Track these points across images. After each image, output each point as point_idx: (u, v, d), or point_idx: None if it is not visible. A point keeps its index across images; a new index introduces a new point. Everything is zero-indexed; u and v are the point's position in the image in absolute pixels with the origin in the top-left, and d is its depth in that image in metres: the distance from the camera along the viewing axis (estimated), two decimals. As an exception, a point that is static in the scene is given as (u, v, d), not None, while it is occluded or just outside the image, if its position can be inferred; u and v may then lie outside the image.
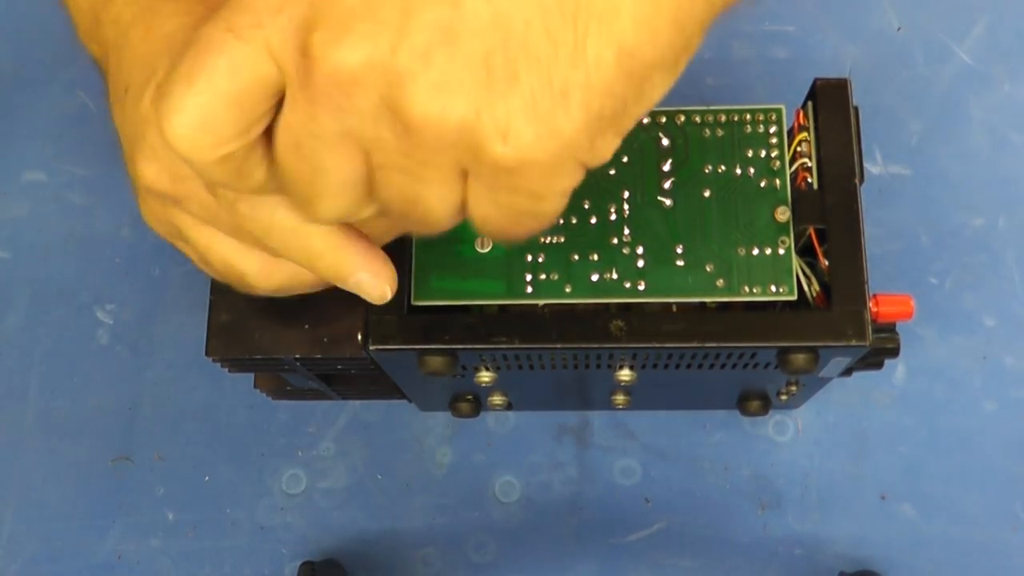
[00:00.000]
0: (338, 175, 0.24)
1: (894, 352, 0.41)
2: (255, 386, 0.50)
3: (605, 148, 0.24)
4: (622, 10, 0.22)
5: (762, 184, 0.40)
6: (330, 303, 0.40)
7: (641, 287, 0.39)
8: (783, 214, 0.39)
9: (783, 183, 0.40)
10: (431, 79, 0.21)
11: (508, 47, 0.21)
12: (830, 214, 0.39)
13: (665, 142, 0.40)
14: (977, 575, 0.52)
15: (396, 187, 0.24)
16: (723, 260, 0.39)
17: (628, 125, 0.24)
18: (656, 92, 0.24)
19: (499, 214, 0.24)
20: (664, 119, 0.40)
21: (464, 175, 0.24)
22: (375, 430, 0.55)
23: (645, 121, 0.40)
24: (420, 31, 0.21)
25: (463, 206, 0.25)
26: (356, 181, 0.24)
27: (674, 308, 0.40)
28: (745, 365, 0.41)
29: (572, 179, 0.24)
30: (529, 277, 0.39)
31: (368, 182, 0.24)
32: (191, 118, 0.23)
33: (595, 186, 0.40)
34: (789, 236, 0.39)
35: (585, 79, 0.22)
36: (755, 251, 0.39)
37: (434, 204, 0.24)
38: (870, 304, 0.38)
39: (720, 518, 0.53)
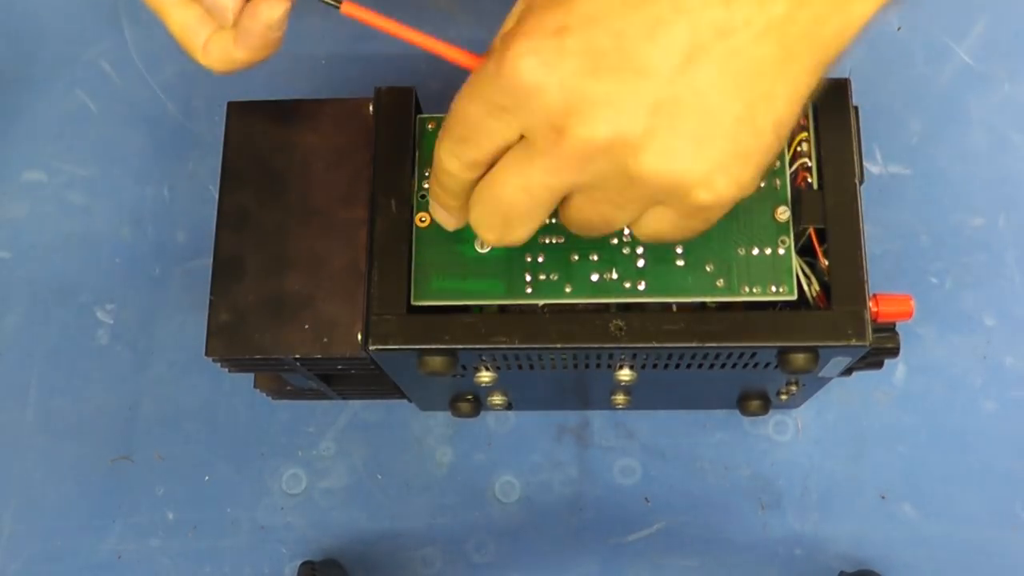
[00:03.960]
0: (545, 209, 0.32)
1: (894, 352, 0.41)
2: (255, 386, 0.50)
3: (755, 189, 0.32)
4: (778, 94, 0.30)
5: (762, 184, 0.40)
6: (330, 303, 0.40)
7: (641, 287, 0.39)
8: (783, 214, 0.39)
9: (783, 183, 0.40)
10: (658, 147, 0.30)
11: (709, 124, 0.30)
12: (830, 214, 0.39)
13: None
14: (977, 575, 0.52)
15: (599, 212, 0.32)
16: (723, 260, 0.39)
17: (768, 171, 0.33)
18: (784, 143, 0.33)
19: (672, 231, 0.33)
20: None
21: (653, 203, 0.32)
22: (375, 430, 0.55)
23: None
24: (649, 114, 0.29)
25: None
26: (550, 210, 0.33)
27: (674, 308, 0.40)
28: (745, 365, 0.41)
29: (730, 209, 0.32)
30: (529, 277, 0.39)
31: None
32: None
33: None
34: (789, 236, 0.39)
35: (757, 145, 0.31)
36: (755, 251, 0.39)
37: (620, 222, 0.33)
38: (870, 304, 0.38)
39: (720, 518, 0.53)
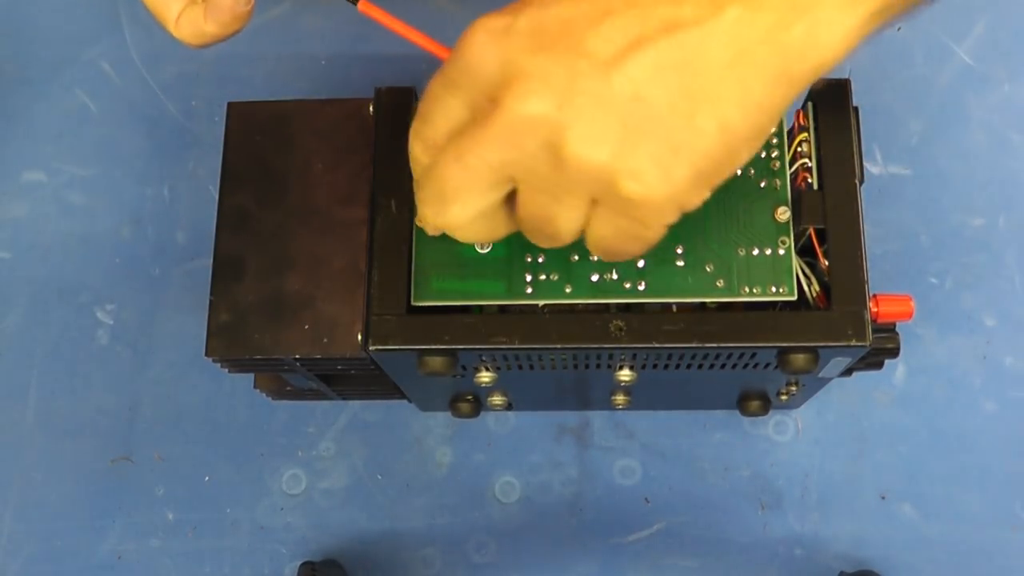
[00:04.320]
0: (479, 186, 0.32)
1: (894, 352, 0.41)
2: (255, 386, 0.50)
3: (698, 198, 0.31)
4: (724, 95, 0.30)
5: (762, 184, 0.40)
6: (330, 303, 0.40)
7: (641, 287, 0.39)
8: (783, 214, 0.39)
9: (783, 183, 0.40)
10: (584, 130, 0.29)
11: (641, 114, 0.29)
12: (830, 214, 0.39)
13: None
14: (977, 575, 0.52)
15: (537, 205, 0.32)
16: (723, 260, 0.39)
17: (717, 183, 0.32)
18: (741, 160, 0.32)
19: (613, 235, 0.32)
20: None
21: (592, 203, 0.31)
22: (375, 430, 0.55)
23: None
24: (579, 96, 0.29)
25: (583, 227, 0.32)
26: (489, 194, 0.32)
27: (674, 308, 0.40)
28: (745, 365, 0.41)
29: (673, 217, 0.32)
30: (529, 277, 0.39)
31: (499, 200, 0.32)
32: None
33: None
34: (789, 236, 0.39)
35: (695, 144, 0.30)
36: (755, 251, 0.39)
37: (563, 221, 0.32)
38: (870, 304, 0.38)
39: (720, 518, 0.53)
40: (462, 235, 0.34)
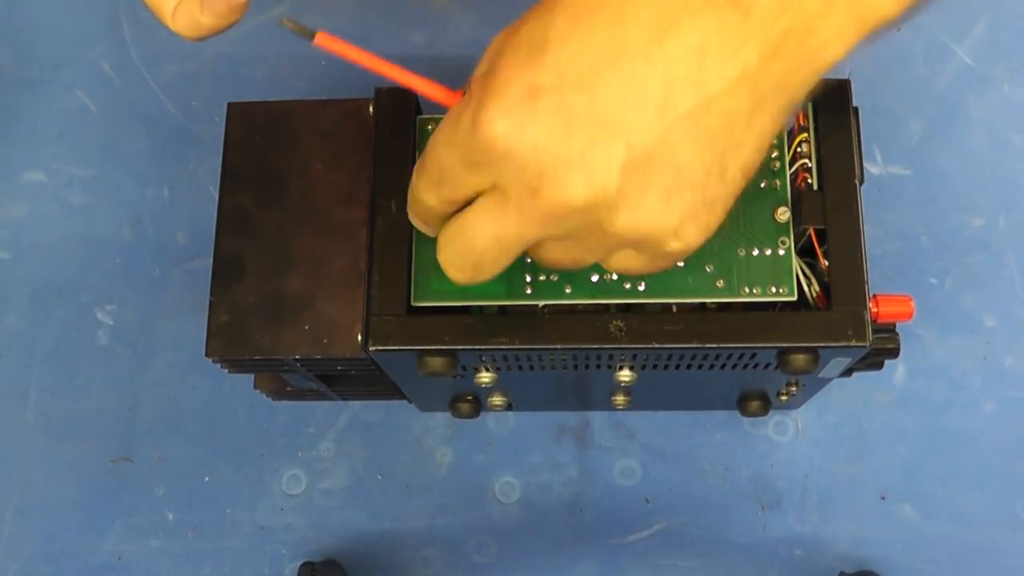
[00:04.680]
0: (512, 256, 0.33)
1: (894, 352, 0.41)
2: (255, 387, 0.50)
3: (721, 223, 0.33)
4: (746, 143, 0.31)
5: (762, 184, 0.40)
6: (330, 304, 0.40)
7: (641, 287, 0.39)
8: (783, 214, 0.39)
9: (783, 183, 0.40)
10: (630, 206, 0.30)
11: (680, 180, 0.30)
12: (830, 214, 0.39)
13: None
14: (977, 575, 0.52)
15: (569, 257, 0.33)
16: (723, 261, 0.39)
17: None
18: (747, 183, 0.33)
19: (640, 269, 0.34)
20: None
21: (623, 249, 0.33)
22: (375, 431, 0.55)
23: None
24: (622, 175, 0.30)
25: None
26: (519, 255, 0.33)
27: (674, 308, 0.40)
28: (745, 366, 0.41)
29: (696, 250, 0.33)
30: (529, 278, 0.39)
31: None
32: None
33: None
34: (789, 236, 0.39)
35: (725, 192, 0.31)
36: (755, 251, 0.39)
37: (588, 263, 0.34)
38: (870, 304, 0.38)
39: (720, 518, 0.53)
40: (478, 282, 0.35)
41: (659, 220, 0.31)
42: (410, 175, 0.39)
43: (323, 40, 0.34)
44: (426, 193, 0.33)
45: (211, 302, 0.41)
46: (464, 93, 0.34)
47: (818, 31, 0.30)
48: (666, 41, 0.29)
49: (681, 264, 0.39)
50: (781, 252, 0.39)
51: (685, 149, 0.30)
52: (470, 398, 0.50)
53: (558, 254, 0.33)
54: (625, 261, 0.33)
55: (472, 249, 0.33)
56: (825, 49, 0.30)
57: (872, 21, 0.31)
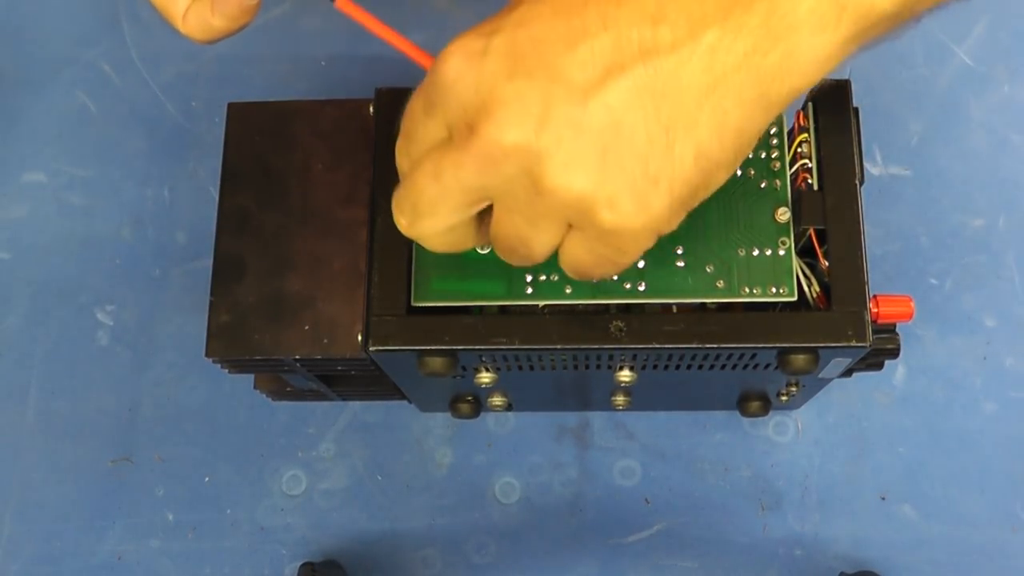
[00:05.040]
0: (452, 204, 0.31)
1: (894, 353, 0.41)
2: (255, 387, 0.50)
3: (675, 223, 0.31)
4: (700, 122, 0.29)
5: (762, 185, 0.40)
6: (330, 304, 0.40)
7: (641, 288, 0.39)
8: (783, 215, 0.39)
9: (783, 184, 0.40)
10: (563, 159, 0.29)
11: (619, 142, 0.29)
12: (830, 215, 0.39)
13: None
14: (977, 575, 0.52)
15: (513, 226, 0.32)
16: (723, 261, 0.39)
17: (693, 207, 0.32)
18: (718, 183, 0.32)
19: (588, 259, 0.32)
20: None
21: (567, 227, 0.31)
22: (375, 431, 0.55)
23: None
24: (557, 123, 0.29)
25: (557, 247, 0.32)
26: (462, 211, 0.32)
27: (674, 309, 0.40)
28: (745, 366, 0.41)
29: (648, 243, 0.32)
30: (529, 278, 0.39)
31: (471, 217, 0.32)
32: None
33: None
34: (789, 237, 0.39)
35: (672, 172, 0.30)
36: (755, 252, 0.39)
37: (537, 244, 0.32)
38: (870, 305, 0.38)
39: (720, 519, 0.53)
40: (430, 245, 0.34)
41: (591, 181, 0.29)
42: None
43: (343, 4, 0.35)
44: (400, 156, 0.33)
45: (211, 302, 0.41)
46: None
47: (788, 12, 0.29)
48: (624, 3, 0.29)
49: (681, 264, 0.39)
50: (781, 252, 0.39)
51: (627, 112, 0.29)
52: (470, 398, 0.50)
53: (504, 225, 0.32)
54: (573, 248, 0.32)
55: (414, 187, 0.32)
56: (797, 32, 0.29)
57: (859, 11, 0.30)
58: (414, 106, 0.32)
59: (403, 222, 0.33)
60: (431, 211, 0.32)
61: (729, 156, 0.31)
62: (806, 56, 0.30)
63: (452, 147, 0.31)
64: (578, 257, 0.32)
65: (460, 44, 0.30)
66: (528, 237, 0.32)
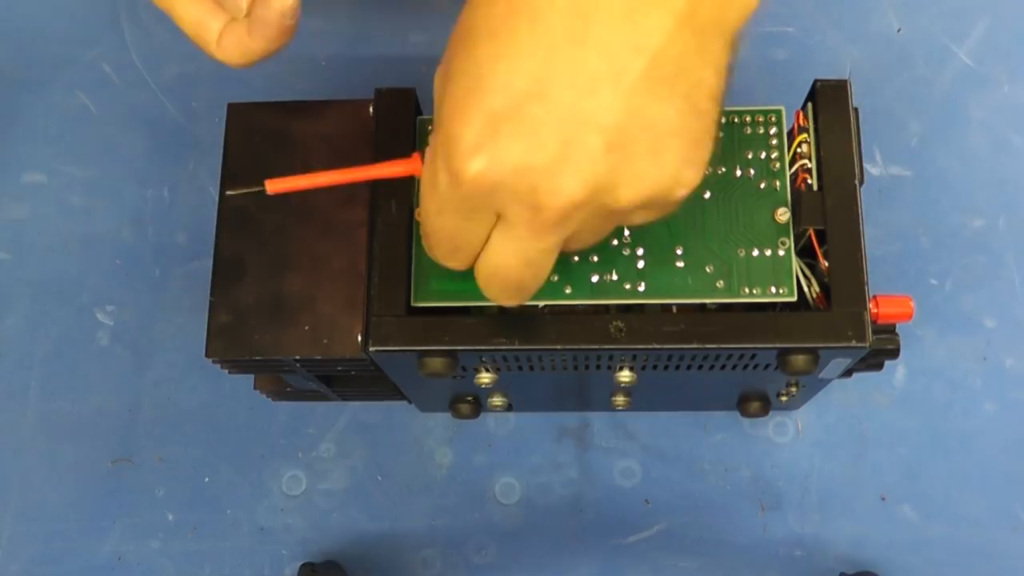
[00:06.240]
0: (549, 265, 0.33)
1: (894, 353, 0.41)
2: (255, 387, 0.50)
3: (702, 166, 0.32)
4: (706, 74, 0.30)
5: (762, 185, 0.40)
6: (330, 304, 0.40)
7: (641, 288, 0.39)
8: (783, 215, 0.39)
9: (783, 184, 0.40)
10: (626, 179, 0.30)
11: (660, 133, 0.30)
12: (830, 215, 0.39)
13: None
14: (977, 575, 0.52)
15: (594, 237, 0.33)
16: (723, 261, 0.39)
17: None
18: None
19: (657, 216, 0.33)
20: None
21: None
22: (375, 431, 0.55)
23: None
24: (606, 154, 0.30)
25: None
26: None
27: (674, 309, 0.40)
28: (745, 366, 0.41)
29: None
30: (529, 278, 0.39)
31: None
32: None
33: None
34: (789, 237, 0.39)
35: (704, 125, 0.31)
36: (755, 252, 0.39)
37: (611, 231, 0.34)
38: (870, 305, 0.38)
39: (720, 519, 0.53)
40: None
41: (657, 178, 0.31)
42: (410, 176, 0.40)
43: (273, 186, 0.34)
44: (452, 262, 0.34)
45: (211, 302, 0.41)
46: (419, 155, 0.34)
47: None
48: (590, 17, 0.29)
49: (681, 264, 0.39)
50: (781, 253, 0.39)
51: (653, 106, 0.30)
52: (470, 399, 0.50)
53: (582, 242, 0.33)
54: (641, 218, 0.33)
55: (510, 280, 0.33)
56: None
57: None
58: (447, 224, 0.32)
59: (512, 303, 0.35)
60: (536, 282, 0.34)
61: (725, 81, 0.32)
62: None
63: (524, 230, 0.31)
64: (647, 220, 0.33)
65: (471, 145, 0.30)
66: (605, 233, 0.33)
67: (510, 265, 0.32)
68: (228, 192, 0.34)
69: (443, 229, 0.32)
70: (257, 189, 0.33)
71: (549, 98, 0.29)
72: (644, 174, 0.30)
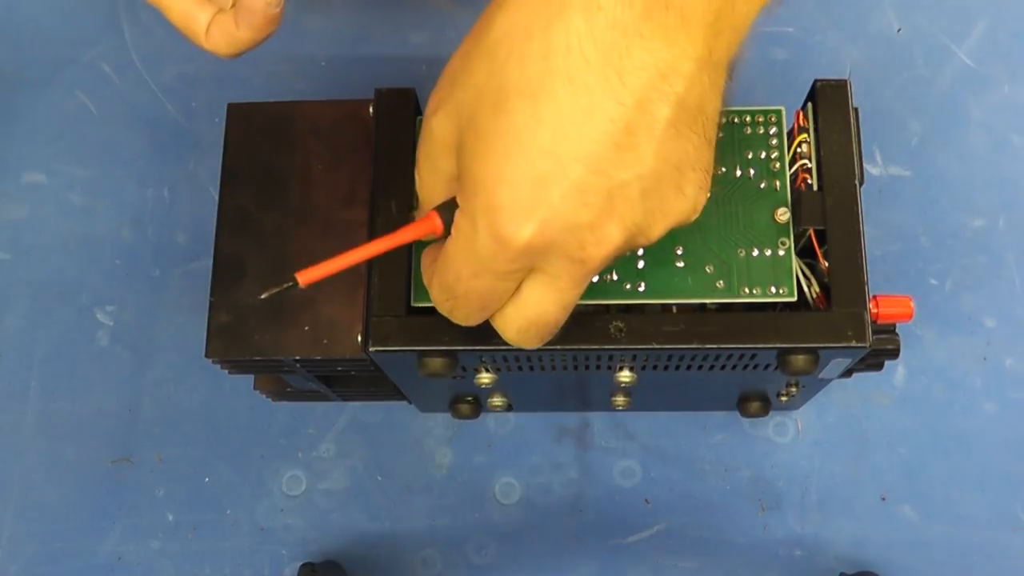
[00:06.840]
0: (572, 306, 0.34)
1: (894, 353, 0.41)
2: (255, 387, 0.50)
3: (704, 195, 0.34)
4: (715, 106, 0.32)
5: (762, 185, 0.40)
6: (330, 305, 0.40)
7: (641, 288, 0.39)
8: (783, 215, 0.39)
9: (783, 184, 0.40)
10: (658, 219, 0.32)
11: (681, 169, 0.32)
12: (830, 215, 0.39)
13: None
14: (977, 575, 0.52)
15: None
16: (723, 261, 0.39)
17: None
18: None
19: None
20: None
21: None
22: (375, 431, 0.55)
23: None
24: (642, 200, 0.31)
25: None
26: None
27: (674, 309, 0.40)
28: (745, 366, 0.41)
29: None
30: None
31: None
32: None
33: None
34: (789, 237, 0.39)
35: (711, 151, 0.33)
36: (755, 252, 0.39)
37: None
38: (870, 305, 0.38)
39: (720, 519, 0.53)
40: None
41: (681, 211, 0.32)
42: (410, 176, 0.40)
43: (306, 277, 0.33)
44: (473, 320, 0.34)
45: (211, 302, 0.41)
46: (427, 216, 0.33)
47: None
48: (624, 72, 0.29)
49: (681, 265, 0.39)
50: (781, 253, 0.39)
51: (678, 147, 0.31)
52: (470, 399, 0.50)
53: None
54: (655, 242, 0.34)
55: (549, 327, 0.34)
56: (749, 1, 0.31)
57: None
58: (480, 285, 0.32)
59: (535, 346, 0.35)
60: (559, 326, 0.34)
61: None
62: (751, 18, 0.32)
63: (566, 281, 0.32)
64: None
65: (520, 212, 0.30)
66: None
67: (550, 313, 0.33)
68: (262, 296, 0.34)
69: (475, 291, 0.32)
70: (289, 285, 0.33)
71: (593, 156, 0.30)
72: (671, 209, 0.32)
